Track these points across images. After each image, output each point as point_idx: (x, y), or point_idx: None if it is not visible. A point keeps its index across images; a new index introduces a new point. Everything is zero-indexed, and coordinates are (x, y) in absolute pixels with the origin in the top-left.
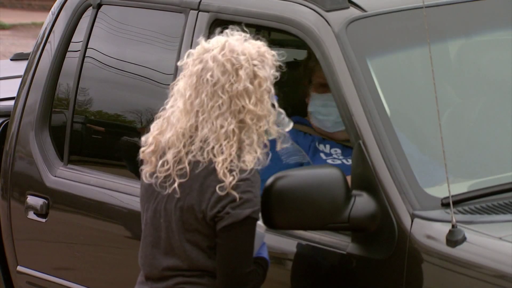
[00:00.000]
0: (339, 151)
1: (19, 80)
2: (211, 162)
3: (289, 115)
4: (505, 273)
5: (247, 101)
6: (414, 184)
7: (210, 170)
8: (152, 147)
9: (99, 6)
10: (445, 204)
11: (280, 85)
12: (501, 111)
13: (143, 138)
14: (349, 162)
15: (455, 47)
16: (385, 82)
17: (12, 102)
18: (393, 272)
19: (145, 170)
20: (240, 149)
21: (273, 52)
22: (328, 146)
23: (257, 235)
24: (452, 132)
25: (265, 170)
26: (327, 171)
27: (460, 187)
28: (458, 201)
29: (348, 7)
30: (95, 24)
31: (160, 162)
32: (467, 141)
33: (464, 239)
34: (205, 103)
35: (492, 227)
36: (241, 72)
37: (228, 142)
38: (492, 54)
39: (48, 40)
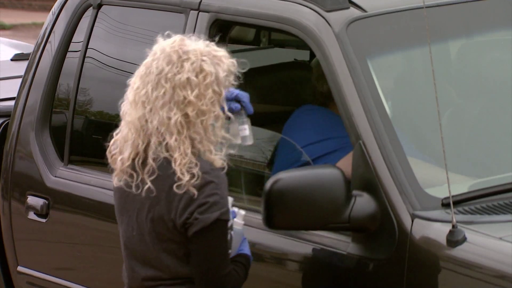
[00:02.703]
0: None
1: (20, 80)
2: (169, 163)
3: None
4: (505, 273)
5: (189, 92)
6: (415, 184)
7: (175, 179)
8: (116, 151)
9: (99, 6)
10: (445, 204)
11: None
12: (502, 111)
13: (107, 154)
14: None
15: (455, 47)
16: (385, 82)
17: (12, 102)
18: (393, 272)
19: (114, 174)
20: (194, 148)
21: (233, 60)
22: None
23: (236, 232)
24: (452, 132)
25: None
26: (327, 171)
27: (460, 187)
28: (459, 201)
29: (348, 7)
30: (96, 24)
31: (119, 158)
32: (468, 141)
33: (464, 239)
34: (149, 93)
35: (492, 227)
36: (186, 64)
37: (179, 136)
38: (492, 54)
39: (49, 40)
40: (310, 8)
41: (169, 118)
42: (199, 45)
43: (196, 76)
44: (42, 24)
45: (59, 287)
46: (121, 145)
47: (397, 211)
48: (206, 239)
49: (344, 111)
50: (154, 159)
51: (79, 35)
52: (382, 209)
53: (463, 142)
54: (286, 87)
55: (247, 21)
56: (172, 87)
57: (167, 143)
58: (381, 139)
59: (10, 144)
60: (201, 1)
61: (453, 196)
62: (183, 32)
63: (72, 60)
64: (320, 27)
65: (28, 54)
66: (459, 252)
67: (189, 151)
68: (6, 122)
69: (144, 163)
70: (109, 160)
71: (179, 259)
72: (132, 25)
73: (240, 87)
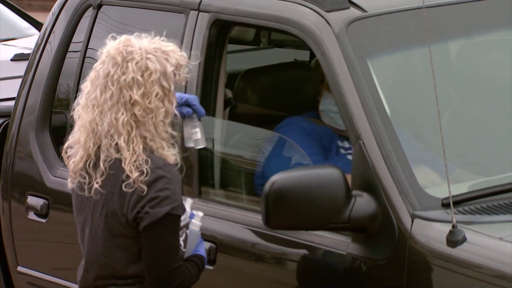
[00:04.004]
0: None
1: (20, 80)
2: (121, 163)
3: (302, 111)
4: (505, 273)
5: (134, 92)
6: (415, 184)
7: (124, 178)
8: (71, 153)
9: (99, 6)
10: (445, 205)
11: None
12: (502, 111)
13: (63, 155)
14: None
15: (455, 47)
16: (385, 82)
17: (12, 103)
18: (393, 272)
19: (68, 176)
20: (146, 145)
21: (183, 53)
22: (346, 142)
23: (192, 234)
24: (452, 132)
25: (266, 170)
26: (327, 171)
27: (460, 187)
28: (459, 202)
29: (348, 8)
30: (96, 24)
31: (71, 161)
32: (468, 141)
33: (464, 239)
34: (98, 96)
35: (492, 227)
36: (131, 64)
37: (129, 136)
38: (492, 55)
39: (49, 40)
40: (310, 8)
41: (117, 119)
42: (144, 43)
43: (142, 75)
44: (42, 24)
45: (59, 287)
46: (74, 148)
47: (397, 211)
48: (156, 233)
49: (344, 111)
50: (105, 161)
51: (79, 35)
52: (382, 209)
53: (463, 142)
54: (286, 87)
55: (247, 21)
56: (118, 89)
57: (117, 144)
58: (381, 139)
59: (10, 144)
60: (201, 1)
61: (453, 196)
62: (183, 32)
63: (72, 60)
64: (320, 27)
65: (28, 54)
66: (459, 252)
67: (139, 149)
68: (6, 122)
69: (96, 165)
70: (65, 162)
71: (132, 257)
72: (132, 25)
73: (240, 87)
